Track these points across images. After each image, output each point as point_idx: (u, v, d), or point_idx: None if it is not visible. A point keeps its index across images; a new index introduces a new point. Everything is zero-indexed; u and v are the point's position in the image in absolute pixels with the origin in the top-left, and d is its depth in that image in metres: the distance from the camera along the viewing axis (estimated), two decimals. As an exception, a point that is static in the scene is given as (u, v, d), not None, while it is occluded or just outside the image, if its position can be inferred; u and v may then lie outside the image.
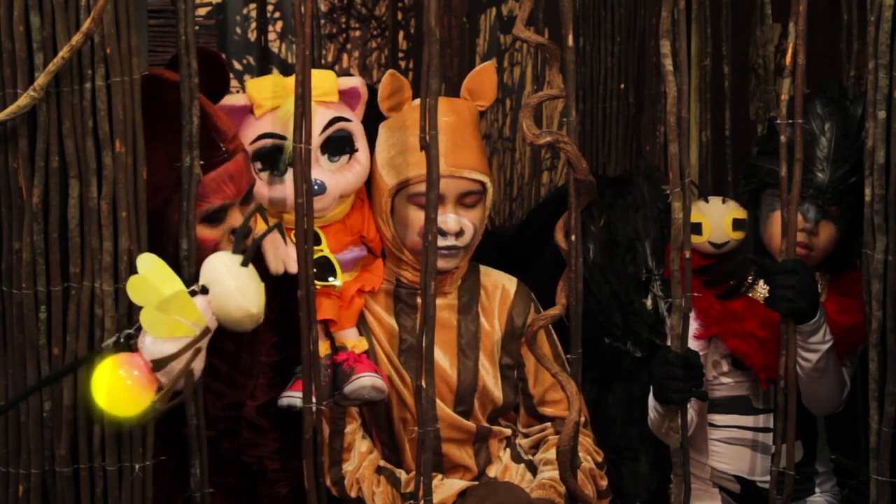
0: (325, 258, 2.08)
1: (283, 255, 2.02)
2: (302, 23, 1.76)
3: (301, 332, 1.83)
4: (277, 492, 2.04)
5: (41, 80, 1.62)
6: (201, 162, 1.79)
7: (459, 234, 2.11)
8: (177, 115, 1.75)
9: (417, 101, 2.15)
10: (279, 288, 2.03)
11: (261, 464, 2.05)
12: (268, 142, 2.03)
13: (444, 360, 2.17)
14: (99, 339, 1.69)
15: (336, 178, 2.07)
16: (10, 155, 1.66)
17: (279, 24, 3.59)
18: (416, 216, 2.10)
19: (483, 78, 2.19)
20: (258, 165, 2.05)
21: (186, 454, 1.84)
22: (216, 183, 1.86)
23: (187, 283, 1.70)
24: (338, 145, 2.07)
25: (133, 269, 1.70)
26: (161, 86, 1.81)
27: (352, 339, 2.11)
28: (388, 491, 2.11)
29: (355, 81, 2.13)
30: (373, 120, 2.24)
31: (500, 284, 2.26)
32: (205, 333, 1.64)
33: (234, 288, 1.66)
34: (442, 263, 2.07)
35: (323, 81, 2.06)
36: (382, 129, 2.16)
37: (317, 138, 2.04)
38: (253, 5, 3.54)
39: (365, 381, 2.03)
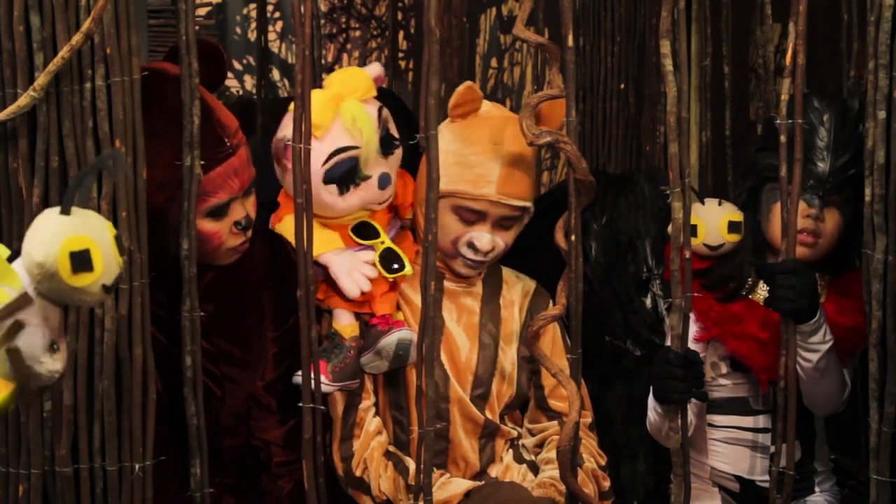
0: (390, 249, 2.10)
1: (356, 279, 2.03)
2: (302, 23, 1.76)
3: (301, 332, 1.84)
4: (280, 487, 2.04)
5: (41, 80, 1.62)
6: (202, 163, 1.79)
7: (489, 251, 2.15)
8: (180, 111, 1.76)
9: (486, 111, 2.16)
10: (280, 263, 2.04)
11: (268, 451, 2.05)
12: (343, 156, 2.00)
13: (466, 343, 2.20)
14: (99, 339, 1.69)
15: (392, 164, 2.09)
16: (10, 155, 1.66)
17: (279, 24, 3.59)
18: (454, 226, 2.14)
19: (557, 109, 2.09)
20: (332, 188, 2.02)
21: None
22: (222, 178, 1.87)
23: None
24: (388, 138, 2.06)
25: (133, 270, 1.71)
26: (165, 82, 1.80)
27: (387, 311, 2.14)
28: (395, 477, 2.12)
29: (378, 69, 2.12)
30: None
31: (520, 281, 2.31)
32: (23, 300, 1.34)
33: (29, 232, 1.35)
34: (465, 271, 2.18)
35: (360, 82, 2.05)
36: (445, 130, 2.15)
37: (375, 136, 2.03)
38: (253, 5, 3.54)
39: (406, 334, 2.04)
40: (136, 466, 1.73)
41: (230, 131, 1.89)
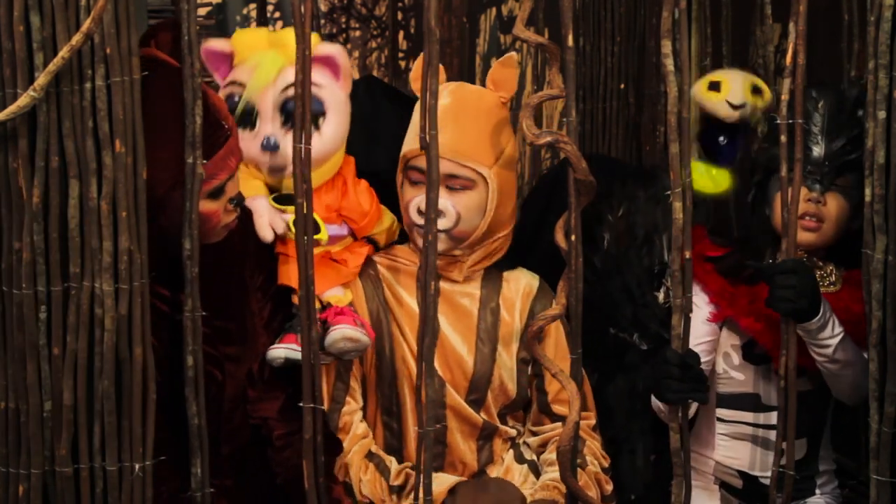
0: None
1: (269, 220, 2.06)
2: (302, 23, 1.76)
3: (301, 331, 1.84)
4: (287, 458, 2.03)
5: (41, 80, 1.62)
6: (203, 160, 1.79)
7: (438, 215, 2.10)
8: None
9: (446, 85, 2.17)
10: (251, 231, 2.06)
11: (266, 426, 2.05)
12: (235, 88, 2.07)
13: (463, 346, 2.18)
14: (99, 339, 1.69)
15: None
16: (10, 155, 1.66)
17: (279, 24, 3.59)
18: (407, 192, 2.15)
19: (503, 69, 2.19)
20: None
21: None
22: (224, 160, 1.88)
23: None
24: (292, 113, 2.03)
25: (133, 269, 1.71)
26: (167, 72, 1.80)
27: (337, 295, 2.12)
28: (376, 479, 2.11)
29: (334, 49, 2.11)
30: (378, 109, 2.29)
31: (523, 280, 2.27)
32: None
33: None
34: (422, 242, 2.09)
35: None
36: (417, 108, 2.17)
37: (278, 95, 2.04)
38: (253, 5, 3.54)
39: (336, 333, 2.02)
40: (136, 466, 1.73)
41: (224, 114, 1.91)
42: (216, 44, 2.11)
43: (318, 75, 2.05)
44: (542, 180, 2.94)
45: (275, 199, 2.10)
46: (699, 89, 2.41)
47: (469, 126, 2.12)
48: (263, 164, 2.09)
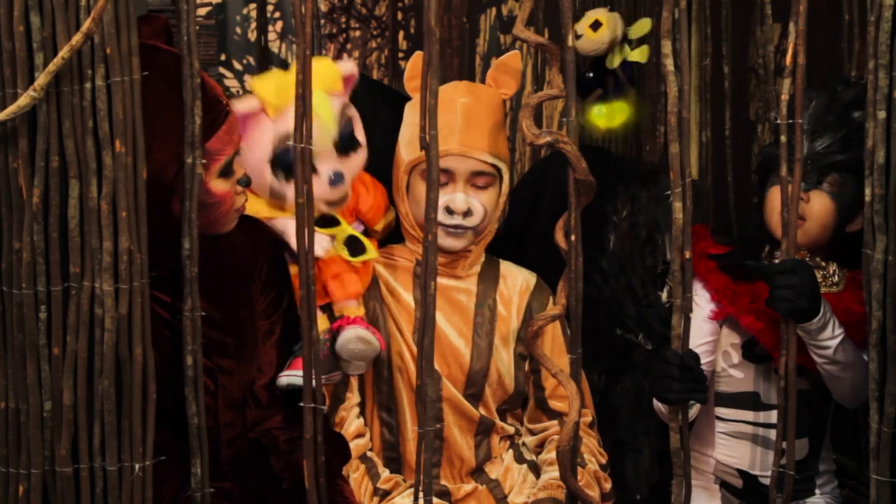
0: (353, 236, 2.11)
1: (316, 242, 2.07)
2: (302, 23, 1.76)
3: (302, 332, 1.83)
4: (296, 461, 2.02)
5: (41, 80, 1.62)
6: (206, 139, 1.80)
7: (468, 213, 2.13)
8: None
9: (444, 85, 2.18)
10: (265, 248, 2.06)
11: (269, 436, 2.04)
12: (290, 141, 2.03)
13: (459, 340, 2.19)
14: (99, 339, 1.69)
15: (349, 166, 2.09)
16: (10, 155, 1.66)
17: (279, 24, 3.59)
18: (420, 191, 2.14)
19: (505, 67, 2.21)
20: (280, 172, 2.04)
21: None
22: (227, 135, 1.88)
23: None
24: (348, 140, 2.08)
25: (133, 269, 1.71)
26: (163, 58, 1.79)
27: (351, 308, 2.14)
28: (363, 480, 2.11)
29: (352, 67, 2.12)
30: (379, 108, 2.30)
31: (520, 276, 2.28)
32: None
33: None
34: (449, 242, 2.13)
35: (328, 73, 2.05)
36: (407, 109, 2.20)
37: (334, 130, 2.05)
38: (253, 5, 3.54)
39: (349, 332, 2.04)
40: (136, 466, 1.73)
41: (219, 91, 1.92)
42: (243, 106, 2.01)
43: (345, 95, 2.09)
44: (527, 177, 2.95)
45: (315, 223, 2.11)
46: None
47: (486, 123, 2.15)
48: (327, 199, 2.09)
